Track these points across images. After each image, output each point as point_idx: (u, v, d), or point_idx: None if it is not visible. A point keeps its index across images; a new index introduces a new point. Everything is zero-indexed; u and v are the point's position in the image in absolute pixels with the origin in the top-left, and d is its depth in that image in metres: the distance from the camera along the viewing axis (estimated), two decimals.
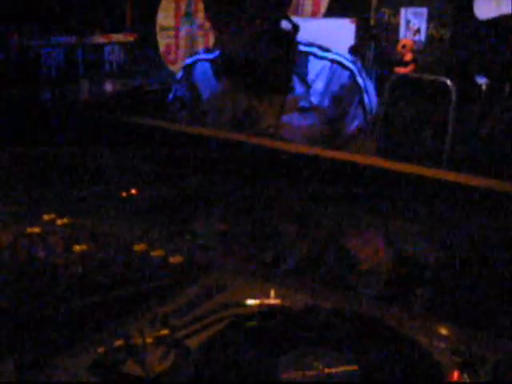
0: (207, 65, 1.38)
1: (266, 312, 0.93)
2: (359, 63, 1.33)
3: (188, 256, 1.13)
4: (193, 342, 0.85)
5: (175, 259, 1.13)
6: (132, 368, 0.77)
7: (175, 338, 0.83)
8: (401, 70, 3.92)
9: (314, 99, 1.29)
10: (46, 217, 1.33)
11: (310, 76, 1.30)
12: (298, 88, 1.31)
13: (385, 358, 0.82)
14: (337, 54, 1.31)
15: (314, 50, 1.33)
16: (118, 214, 1.41)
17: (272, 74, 1.29)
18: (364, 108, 1.30)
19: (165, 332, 0.82)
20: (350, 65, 1.29)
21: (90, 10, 3.24)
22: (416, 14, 4.04)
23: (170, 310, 0.91)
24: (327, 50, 1.32)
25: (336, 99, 1.29)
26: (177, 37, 4.08)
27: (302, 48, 1.33)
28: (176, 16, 4.06)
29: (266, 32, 1.20)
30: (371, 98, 1.31)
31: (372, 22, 4.34)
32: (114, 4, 3.50)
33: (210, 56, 1.38)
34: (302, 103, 1.31)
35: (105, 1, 3.41)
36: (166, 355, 0.80)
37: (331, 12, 4.48)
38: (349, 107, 1.29)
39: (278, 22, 1.27)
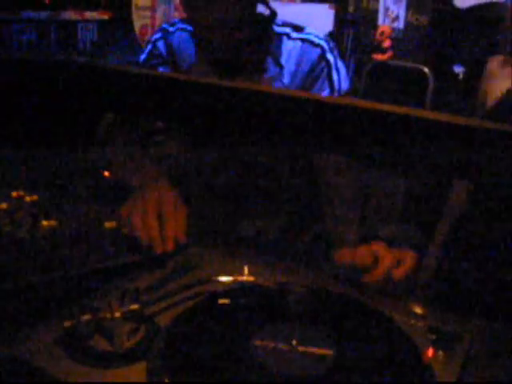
0: (185, 35, 1.35)
1: (239, 289, 0.91)
2: (332, 42, 1.32)
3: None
4: (163, 319, 0.83)
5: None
6: (100, 343, 0.75)
7: (145, 313, 0.81)
8: (379, 56, 3.92)
9: (287, 79, 1.28)
10: (14, 193, 1.29)
11: (283, 57, 1.29)
12: (272, 69, 1.30)
13: (360, 336, 0.81)
14: (309, 33, 1.31)
15: (287, 30, 1.32)
16: (89, 192, 1.38)
17: (246, 56, 1.27)
18: (331, 83, 1.29)
19: (134, 307, 0.79)
20: (321, 42, 1.29)
21: None
22: (395, 1, 4.04)
23: (141, 286, 0.88)
24: (300, 30, 1.31)
25: (306, 76, 1.28)
26: (153, 17, 4.01)
27: (276, 29, 1.31)
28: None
29: (242, 16, 1.18)
30: (340, 76, 1.30)
31: (351, 8, 4.32)
32: None
33: (189, 27, 1.34)
34: (276, 84, 1.30)
35: None
36: (135, 331, 0.77)
37: None
38: (315, 81, 1.28)
39: (254, 6, 1.25)
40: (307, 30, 1.31)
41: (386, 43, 3.92)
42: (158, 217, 1.05)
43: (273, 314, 0.85)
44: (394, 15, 4.05)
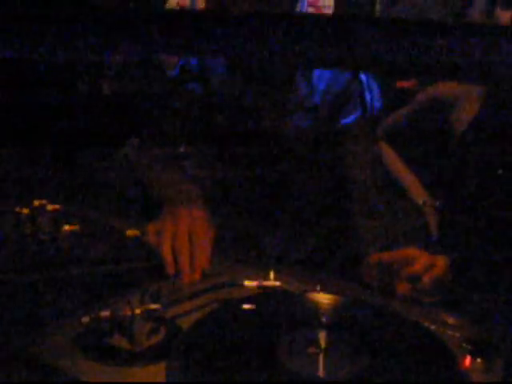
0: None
1: (263, 294, 0.88)
2: None
3: None
4: (185, 322, 0.79)
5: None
6: (119, 341, 0.72)
7: (166, 314, 0.78)
8: (403, 84, 3.88)
9: (317, 99, 1.26)
10: (36, 202, 1.28)
11: (314, 76, 1.27)
12: (303, 88, 1.27)
13: (394, 345, 0.77)
14: None
15: None
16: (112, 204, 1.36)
17: (277, 74, 1.25)
18: (364, 104, 1.26)
19: (155, 306, 0.76)
20: None
21: None
22: None
23: (163, 287, 0.85)
24: None
25: (337, 96, 1.25)
26: None
27: None
28: None
29: None
30: (373, 96, 1.27)
31: None
32: None
33: None
34: (306, 103, 1.28)
35: None
36: (155, 330, 0.74)
37: None
38: (347, 101, 1.25)
39: None
40: None
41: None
42: (188, 239, 0.99)
43: (299, 320, 0.81)
44: None
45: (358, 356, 0.72)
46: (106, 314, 0.72)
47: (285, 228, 1.34)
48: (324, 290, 0.90)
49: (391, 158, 2.01)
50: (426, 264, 0.91)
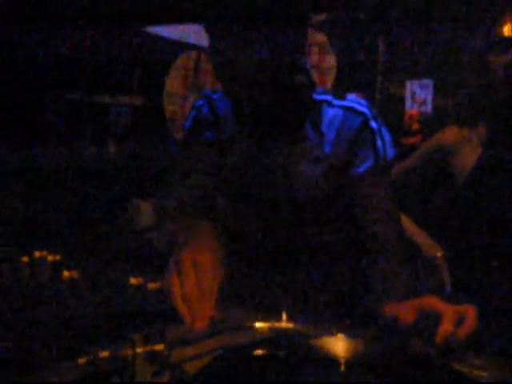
0: (228, 103, 1.32)
1: (275, 337, 0.81)
2: (374, 109, 1.27)
3: None
4: (190, 367, 0.73)
5: None
6: None
7: (171, 359, 0.71)
8: (409, 140, 3.90)
9: (328, 148, 1.23)
10: (37, 253, 1.24)
11: (324, 124, 1.24)
12: (311, 136, 1.25)
13: None
14: (351, 100, 1.25)
15: (328, 98, 1.27)
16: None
17: (284, 123, 1.23)
18: (375, 151, 1.23)
19: (159, 347, 0.70)
20: (364, 109, 1.23)
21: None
22: (422, 86, 4.08)
23: (168, 330, 0.79)
24: (342, 97, 1.26)
25: (348, 145, 1.21)
26: (183, 106, 4.10)
27: (316, 96, 1.27)
28: (184, 85, 4.11)
29: (274, 76, 1.14)
30: (385, 143, 1.24)
31: (377, 95, 4.38)
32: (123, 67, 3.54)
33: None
34: (316, 152, 1.25)
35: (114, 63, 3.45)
36: (158, 374, 0.67)
37: (337, 87, 4.53)
38: (359, 149, 1.21)
39: (293, 74, 1.21)
40: (349, 97, 1.26)
41: (415, 126, 3.91)
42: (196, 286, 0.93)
43: (313, 363, 0.74)
44: (421, 100, 4.07)
45: None
46: (105, 354, 0.66)
47: (297, 280, 1.28)
48: (339, 332, 0.83)
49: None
50: (454, 318, 0.83)
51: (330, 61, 4.45)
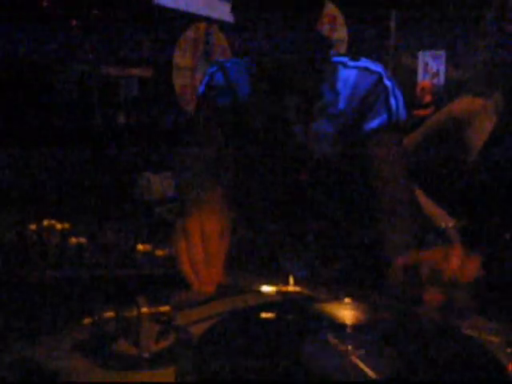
0: (241, 67, 1.35)
1: (282, 302, 0.81)
2: (388, 71, 1.27)
3: None
4: (196, 329, 0.72)
5: None
6: (124, 345, 0.65)
7: (176, 320, 0.71)
8: (420, 112, 3.85)
9: (342, 104, 1.24)
10: (45, 222, 1.24)
11: (339, 83, 1.25)
12: (327, 95, 1.26)
13: (434, 352, 0.69)
14: (366, 61, 1.26)
15: (344, 60, 1.28)
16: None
17: (301, 81, 1.23)
18: (389, 107, 1.22)
19: (165, 309, 0.69)
20: (378, 68, 1.24)
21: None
22: (434, 57, 4.01)
23: (174, 293, 0.78)
24: (357, 59, 1.26)
25: (362, 101, 1.22)
26: (193, 78, 4.06)
27: (332, 58, 1.28)
28: (193, 57, 4.07)
29: (296, 38, 1.15)
30: (398, 103, 1.23)
31: (390, 66, 4.31)
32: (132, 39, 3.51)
33: (242, 60, 1.35)
34: (331, 110, 1.26)
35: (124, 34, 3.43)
36: (163, 334, 0.67)
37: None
38: (373, 105, 1.21)
39: (310, 32, 1.21)
40: (364, 59, 1.27)
41: (427, 98, 3.86)
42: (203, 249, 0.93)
43: (321, 325, 0.74)
44: (433, 71, 4.01)
45: (392, 360, 0.65)
46: (110, 314, 0.66)
47: (308, 238, 1.28)
48: (348, 296, 0.83)
49: None
50: (459, 262, 0.83)
51: (342, 32, 4.38)
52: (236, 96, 1.31)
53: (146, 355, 0.64)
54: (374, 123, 1.20)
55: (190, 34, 3.97)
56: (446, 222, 1.76)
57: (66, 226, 1.22)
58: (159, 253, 1.06)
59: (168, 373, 0.62)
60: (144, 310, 0.65)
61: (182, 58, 3.94)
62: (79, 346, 0.65)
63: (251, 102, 1.27)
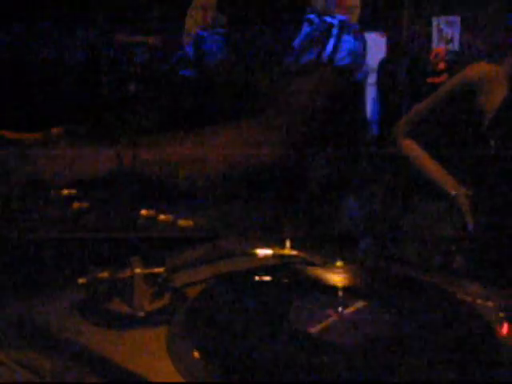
0: (219, 36, 1.39)
1: (278, 265, 0.82)
2: (353, 25, 1.32)
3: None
4: (191, 291, 0.74)
5: (185, 222, 1.04)
6: (118, 304, 0.66)
7: (171, 281, 0.72)
8: (434, 79, 3.79)
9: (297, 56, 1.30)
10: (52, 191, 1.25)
11: (298, 39, 1.30)
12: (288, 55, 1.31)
13: (424, 315, 0.70)
14: (332, 16, 1.31)
15: (311, 16, 1.33)
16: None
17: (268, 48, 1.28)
18: (322, 49, 1.27)
19: (159, 270, 0.70)
20: (334, 21, 1.29)
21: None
22: (448, 23, 3.94)
23: (170, 255, 0.80)
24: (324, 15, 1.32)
25: (306, 43, 1.28)
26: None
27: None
28: (203, 24, 4.02)
29: None
30: (340, 49, 1.28)
31: (404, 33, 4.24)
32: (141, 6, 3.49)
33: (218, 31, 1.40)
34: (292, 67, 1.31)
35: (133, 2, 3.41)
36: (157, 294, 0.68)
37: (361, 25, 4.41)
38: (313, 46, 1.27)
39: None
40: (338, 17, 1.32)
41: (441, 65, 3.80)
42: None
43: (315, 289, 0.75)
44: (448, 37, 3.94)
45: (382, 323, 0.66)
46: (104, 274, 0.67)
47: (303, 207, 1.29)
48: (345, 260, 0.83)
49: (418, 154, 1.94)
50: None
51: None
52: (204, 67, 1.35)
53: (141, 314, 0.66)
54: (304, 59, 1.25)
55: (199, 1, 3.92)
56: (457, 189, 1.76)
57: (73, 191, 1.24)
58: (162, 218, 1.08)
59: (161, 333, 0.63)
60: (137, 270, 0.67)
61: (191, 26, 3.90)
62: (74, 305, 0.66)
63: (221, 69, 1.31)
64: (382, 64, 4.38)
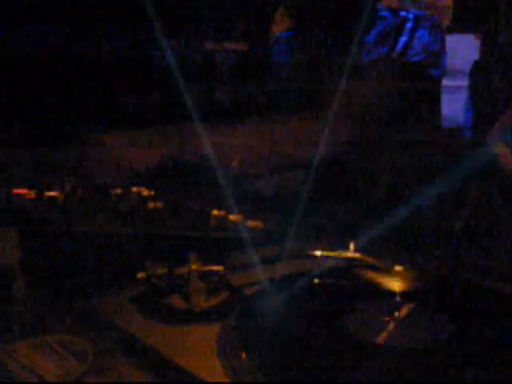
0: (284, 44, 1.44)
1: (340, 268, 0.80)
2: (430, 17, 1.29)
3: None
4: (249, 290, 0.74)
5: (254, 223, 1.05)
6: (175, 300, 0.68)
7: (229, 280, 0.73)
8: None
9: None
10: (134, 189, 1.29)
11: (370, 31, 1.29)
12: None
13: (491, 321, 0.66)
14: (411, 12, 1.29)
15: (386, 14, 1.32)
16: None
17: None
18: (394, 42, 1.25)
19: (218, 268, 0.71)
20: (409, 15, 1.26)
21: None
22: None
23: (233, 254, 0.80)
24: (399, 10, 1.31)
25: (376, 35, 1.26)
26: None
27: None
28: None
29: None
30: (413, 41, 1.24)
31: (502, 36, 4.05)
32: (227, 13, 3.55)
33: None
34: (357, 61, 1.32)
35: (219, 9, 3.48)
36: (214, 292, 0.69)
37: (454, 25, 4.26)
38: (388, 39, 1.25)
39: None
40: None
41: None
42: None
43: (374, 293, 0.73)
44: None
45: (438, 329, 0.63)
46: (163, 270, 0.69)
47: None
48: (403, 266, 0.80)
49: None
50: None
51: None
52: (273, 77, 1.36)
53: (196, 310, 0.67)
54: (375, 54, 1.24)
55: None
56: None
57: (151, 192, 1.28)
58: (232, 218, 1.09)
59: (214, 329, 0.64)
60: (195, 266, 0.68)
61: (277, 32, 3.95)
62: (134, 299, 0.69)
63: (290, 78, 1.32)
64: (475, 67, 4.21)
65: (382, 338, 0.59)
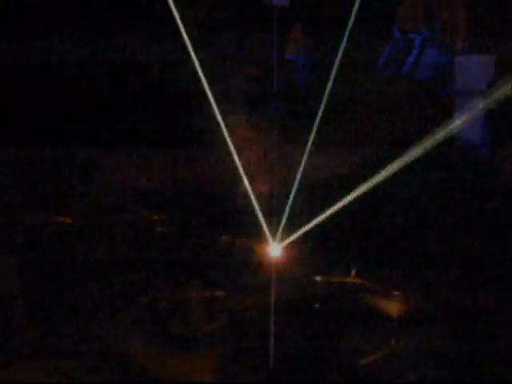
0: (306, 61, 1.48)
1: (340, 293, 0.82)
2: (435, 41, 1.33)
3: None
4: (249, 313, 0.76)
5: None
6: (178, 324, 0.70)
7: (230, 304, 0.75)
8: None
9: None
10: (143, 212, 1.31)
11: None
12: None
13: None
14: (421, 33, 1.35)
15: (398, 35, 1.37)
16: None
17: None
18: (400, 66, 1.29)
19: (219, 293, 0.74)
20: (418, 36, 1.31)
21: None
22: None
23: (230, 279, 0.82)
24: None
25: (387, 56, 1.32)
26: None
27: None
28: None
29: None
30: (419, 64, 1.28)
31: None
32: None
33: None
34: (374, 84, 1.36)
35: None
36: (216, 316, 0.71)
37: (468, 46, 4.27)
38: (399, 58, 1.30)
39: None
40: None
41: None
42: None
43: (372, 318, 0.74)
44: None
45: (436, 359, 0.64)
46: (164, 296, 0.71)
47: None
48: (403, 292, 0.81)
49: None
50: None
51: (459, 17, 4.17)
52: (294, 94, 1.39)
53: (198, 335, 0.69)
54: (385, 74, 1.27)
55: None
56: None
57: (162, 216, 1.30)
58: (239, 242, 1.10)
59: (214, 353, 0.66)
60: (197, 293, 0.70)
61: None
62: (136, 323, 0.71)
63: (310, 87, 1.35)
64: (490, 86, 4.20)
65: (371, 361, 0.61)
